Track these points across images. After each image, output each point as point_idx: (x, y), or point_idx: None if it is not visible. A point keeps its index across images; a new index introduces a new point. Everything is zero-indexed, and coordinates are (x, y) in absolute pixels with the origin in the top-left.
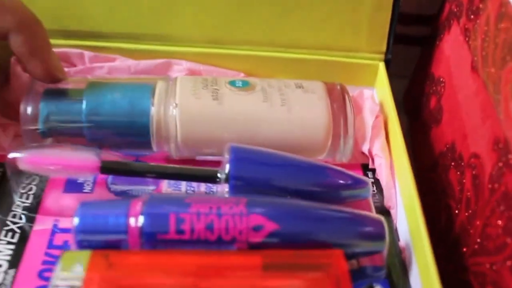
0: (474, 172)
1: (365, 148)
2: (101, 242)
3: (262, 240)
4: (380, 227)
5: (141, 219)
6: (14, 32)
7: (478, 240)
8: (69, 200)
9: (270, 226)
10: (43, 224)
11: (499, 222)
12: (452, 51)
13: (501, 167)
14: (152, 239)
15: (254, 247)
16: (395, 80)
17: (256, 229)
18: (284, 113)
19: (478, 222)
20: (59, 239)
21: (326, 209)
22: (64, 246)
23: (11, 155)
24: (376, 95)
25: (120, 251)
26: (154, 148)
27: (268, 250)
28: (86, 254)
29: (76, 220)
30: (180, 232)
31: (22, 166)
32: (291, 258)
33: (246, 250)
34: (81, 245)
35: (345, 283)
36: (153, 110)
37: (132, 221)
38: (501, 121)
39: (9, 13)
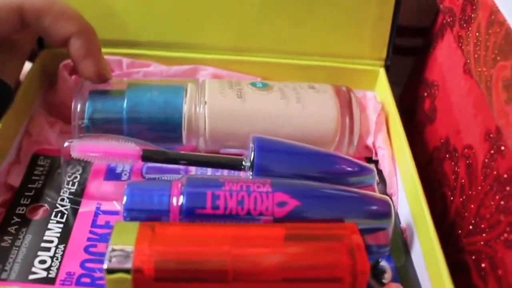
0: (467, 161)
1: (369, 141)
2: (146, 218)
3: (285, 215)
4: (387, 206)
5: (181, 197)
6: (75, 36)
7: (473, 221)
8: (109, 187)
9: (293, 202)
10: (87, 207)
11: (492, 203)
12: (446, 57)
13: (493, 154)
14: (191, 214)
15: (278, 221)
16: (391, 87)
17: (280, 205)
18: (299, 109)
19: (472, 206)
20: (101, 219)
21: (340, 189)
22: (107, 226)
23: (66, 144)
24: (377, 97)
25: (164, 223)
26: (184, 141)
27: (290, 223)
28: (135, 224)
29: (124, 198)
30: (215, 207)
31: (74, 153)
32: (310, 229)
33: (271, 223)
34: (129, 220)
35: (360, 251)
36: (185, 107)
37: (174, 199)
38: (493, 112)
39: (72, 20)
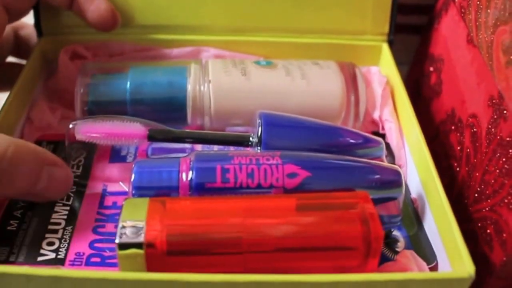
0: (472, 130)
1: (375, 115)
2: (155, 195)
3: (296, 186)
4: (398, 175)
5: (191, 172)
6: None
7: (478, 189)
8: (115, 169)
9: (304, 173)
10: (93, 189)
11: (496, 168)
12: (450, 30)
13: (496, 118)
14: (201, 188)
15: (289, 192)
16: (397, 67)
17: (291, 176)
18: (304, 85)
19: (477, 174)
20: (109, 200)
21: (350, 160)
22: (114, 206)
23: (71, 126)
24: (382, 71)
25: (175, 197)
26: (189, 121)
27: (301, 193)
28: (145, 200)
29: (133, 176)
30: (225, 180)
31: (78, 135)
32: (321, 199)
33: (282, 194)
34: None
35: (373, 218)
36: (189, 87)
37: (183, 174)
38: (495, 77)
39: None
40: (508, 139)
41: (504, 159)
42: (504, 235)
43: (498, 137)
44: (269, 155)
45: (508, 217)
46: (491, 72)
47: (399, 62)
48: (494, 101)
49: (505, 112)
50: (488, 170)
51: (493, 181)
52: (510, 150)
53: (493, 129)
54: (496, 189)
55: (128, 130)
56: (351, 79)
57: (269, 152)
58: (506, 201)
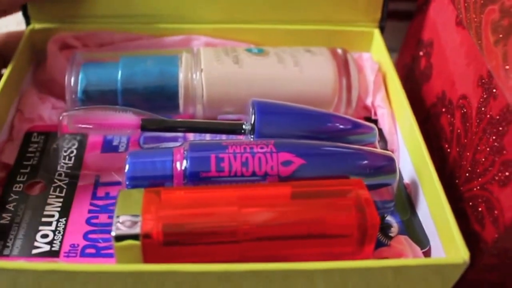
0: (462, 111)
1: (368, 101)
2: (149, 185)
3: (291, 174)
4: (391, 161)
5: (185, 162)
6: None
7: (469, 168)
8: (107, 159)
9: (298, 161)
10: (86, 180)
11: (486, 146)
12: (439, 14)
13: (486, 97)
14: (196, 178)
15: (284, 180)
16: (388, 53)
17: (285, 164)
18: (297, 72)
19: (468, 153)
20: (101, 191)
21: (344, 147)
22: (107, 197)
23: (63, 116)
24: (374, 57)
25: (169, 188)
26: (181, 110)
27: (296, 181)
28: (140, 191)
29: (126, 167)
30: (220, 169)
31: (71, 126)
32: (316, 187)
33: (277, 182)
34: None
35: (369, 205)
36: (181, 75)
37: (177, 164)
38: (484, 56)
39: None
40: (498, 117)
41: (494, 137)
42: (496, 212)
43: (488, 116)
44: (263, 144)
45: (499, 194)
46: (480, 52)
47: (389, 49)
48: (483, 80)
49: (494, 90)
50: (478, 149)
51: (483, 159)
52: (500, 128)
53: (483, 108)
54: (487, 167)
55: (121, 120)
56: (343, 65)
57: (263, 141)
58: (496, 178)
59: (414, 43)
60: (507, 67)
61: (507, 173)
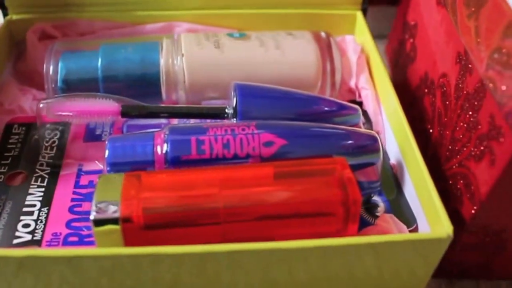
0: (443, 90)
1: (352, 83)
2: (130, 170)
3: (272, 154)
4: (375, 140)
5: (166, 145)
6: None
7: (449, 147)
8: (90, 148)
9: (280, 141)
10: (68, 170)
11: (464, 123)
12: None
13: (463, 74)
14: (177, 161)
15: (266, 161)
16: (376, 41)
17: (267, 145)
18: (279, 55)
19: (447, 132)
20: (84, 179)
21: (326, 127)
22: (90, 185)
23: (41, 105)
24: (357, 40)
25: (150, 171)
26: (164, 96)
27: (279, 161)
28: (120, 175)
29: (106, 152)
30: (201, 152)
31: (50, 114)
32: (299, 166)
33: (259, 163)
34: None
35: (351, 183)
36: (162, 61)
37: (158, 148)
38: (458, 31)
39: None
40: (473, 92)
41: (470, 112)
42: (472, 187)
43: (465, 92)
44: (245, 125)
45: (475, 169)
46: (456, 28)
47: (380, 35)
48: (461, 57)
49: (470, 66)
50: (457, 127)
51: (461, 136)
52: (475, 102)
53: (460, 85)
54: (465, 143)
55: (100, 107)
56: (326, 48)
57: (245, 122)
58: (473, 153)
59: (401, 27)
60: (479, 40)
61: (482, 148)
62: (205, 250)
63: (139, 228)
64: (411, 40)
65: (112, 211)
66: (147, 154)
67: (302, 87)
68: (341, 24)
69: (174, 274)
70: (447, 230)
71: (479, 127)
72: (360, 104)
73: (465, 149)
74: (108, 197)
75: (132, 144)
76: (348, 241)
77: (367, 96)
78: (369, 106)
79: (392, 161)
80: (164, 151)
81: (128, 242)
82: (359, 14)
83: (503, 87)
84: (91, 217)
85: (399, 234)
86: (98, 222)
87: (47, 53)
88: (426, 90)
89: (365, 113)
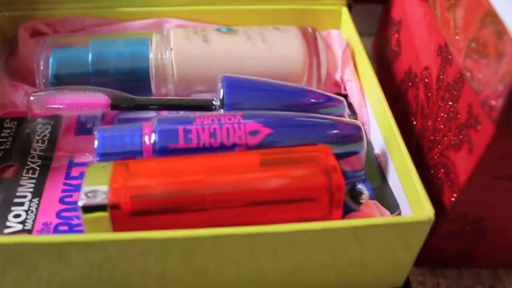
0: (425, 81)
1: (337, 76)
2: (119, 159)
3: (259, 143)
4: (359, 130)
5: (153, 135)
6: None
7: (431, 137)
8: (81, 141)
9: (266, 130)
10: (59, 162)
11: (445, 113)
12: None
13: (443, 65)
14: (164, 151)
15: (252, 149)
16: (363, 39)
17: (253, 133)
18: (266, 49)
19: (429, 123)
20: (75, 171)
21: (311, 116)
22: (81, 177)
23: (32, 98)
24: (342, 34)
25: (138, 160)
26: (153, 90)
27: (265, 149)
28: (109, 164)
29: (96, 143)
30: (188, 141)
31: (40, 107)
32: (284, 154)
33: (246, 150)
34: None
35: (335, 171)
36: (151, 56)
37: (146, 138)
38: (438, 23)
39: None
40: (452, 82)
41: (450, 102)
42: (452, 176)
43: (446, 83)
44: (231, 115)
45: (455, 158)
46: (436, 20)
47: (367, 33)
48: (442, 49)
49: (450, 57)
50: (438, 117)
51: (442, 126)
52: (455, 92)
53: (441, 76)
54: (445, 133)
55: (90, 99)
56: (312, 43)
57: (231, 112)
58: (453, 143)
59: (386, 23)
60: (457, 31)
61: (461, 136)
62: (190, 235)
63: (127, 215)
64: (396, 36)
65: (101, 198)
66: (135, 144)
67: (288, 80)
68: (327, 20)
69: (161, 265)
70: (428, 213)
71: (458, 116)
72: (345, 96)
73: (445, 138)
74: (96, 184)
75: (120, 135)
76: (331, 225)
77: (352, 89)
78: (354, 98)
79: (377, 151)
80: (152, 141)
81: (116, 229)
82: (345, 10)
83: (479, 75)
84: (80, 203)
85: (382, 217)
86: (87, 209)
87: (38, 49)
88: (410, 84)
89: (350, 105)
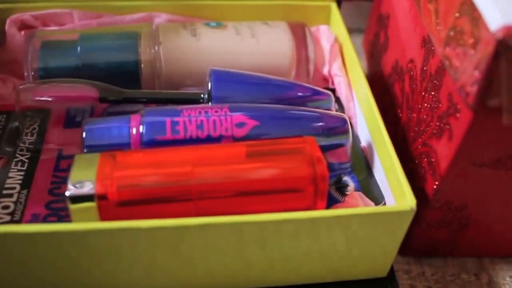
0: (410, 74)
1: (325, 70)
2: (107, 151)
3: (245, 135)
4: (344, 122)
5: (141, 127)
6: None
7: (416, 128)
8: (70, 134)
9: (252, 122)
10: (49, 154)
11: (428, 104)
12: None
13: (427, 56)
14: (152, 142)
15: (239, 141)
16: (353, 35)
17: (239, 125)
18: (254, 44)
19: (414, 114)
20: (64, 164)
21: (297, 109)
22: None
23: (19, 89)
24: (331, 30)
25: (125, 151)
26: (142, 84)
27: (251, 141)
28: (96, 155)
29: (84, 135)
30: (175, 133)
31: (29, 98)
32: (270, 145)
33: (232, 142)
34: None
35: (319, 162)
36: (141, 49)
37: (133, 129)
38: (421, 15)
39: None
40: (434, 72)
41: (433, 93)
42: (434, 163)
43: (429, 74)
44: (218, 107)
45: (436, 146)
46: (419, 12)
47: (357, 29)
48: (425, 41)
49: (432, 48)
50: (422, 108)
51: (425, 116)
52: (436, 82)
53: (425, 68)
54: (428, 122)
55: (79, 92)
56: (300, 38)
57: (218, 105)
58: (435, 132)
59: (375, 19)
60: (438, 20)
61: (442, 125)
62: (177, 224)
63: (114, 205)
64: (384, 31)
65: (88, 188)
66: (123, 136)
67: (277, 74)
68: (316, 15)
69: (149, 254)
70: (410, 203)
71: (440, 105)
72: (333, 90)
73: (428, 128)
74: (83, 175)
75: (108, 127)
76: (316, 214)
77: (339, 83)
78: (342, 92)
79: (363, 144)
80: (139, 133)
81: (103, 219)
82: (334, 6)
83: (457, 63)
84: (67, 193)
85: (365, 207)
86: (74, 199)
87: (27, 42)
88: (396, 77)
89: (337, 100)
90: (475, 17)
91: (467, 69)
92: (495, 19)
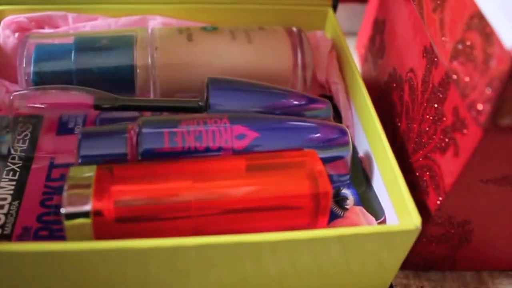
0: (410, 83)
1: (322, 77)
2: (103, 163)
3: (245, 147)
4: (344, 134)
5: (138, 138)
6: None
7: (416, 139)
8: (63, 141)
9: (252, 134)
10: (40, 163)
11: (430, 116)
12: None
13: (429, 67)
14: (149, 154)
15: (238, 154)
16: (347, 38)
17: (240, 137)
18: (250, 49)
19: (415, 125)
20: (56, 173)
21: (298, 120)
22: (62, 179)
23: (13, 96)
24: (327, 35)
25: (122, 164)
26: (137, 89)
27: (251, 154)
28: (92, 168)
29: (78, 144)
30: (173, 145)
31: (22, 105)
32: (270, 159)
33: (231, 155)
34: None
35: (322, 177)
36: (136, 54)
37: (130, 140)
38: (424, 24)
39: None
40: (437, 84)
41: (436, 105)
42: (437, 178)
43: (431, 85)
44: (217, 118)
45: (440, 161)
46: (422, 21)
47: (351, 33)
48: (427, 51)
49: (436, 59)
50: (424, 120)
51: (427, 128)
52: (440, 95)
53: (426, 79)
54: (431, 135)
55: (73, 99)
56: (297, 43)
57: (217, 115)
58: (438, 145)
59: (370, 23)
60: (443, 32)
61: (446, 139)
62: (173, 244)
63: (110, 222)
64: (380, 36)
65: (84, 204)
66: (119, 147)
67: (273, 81)
68: (312, 20)
69: (143, 271)
70: (415, 222)
71: (444, 119)
72: (330, 98)
73: (431, 141)
74: (79, 189)
75: (104, 136)
76: (316, 234)
77: (337, 91)
78: (339, 99)
79: (361, 154)
80: (136, 143)
81: (98, 236)
82: (330, 11)
83: (466, 78)
84: (62, 210)
85: (368, 226)
86: (69, 216)
87: (20, 45)
88: (394, 85)
89: (335, 107)
90: (488, 32)
91: (477, 86)
92: (510, 36)
